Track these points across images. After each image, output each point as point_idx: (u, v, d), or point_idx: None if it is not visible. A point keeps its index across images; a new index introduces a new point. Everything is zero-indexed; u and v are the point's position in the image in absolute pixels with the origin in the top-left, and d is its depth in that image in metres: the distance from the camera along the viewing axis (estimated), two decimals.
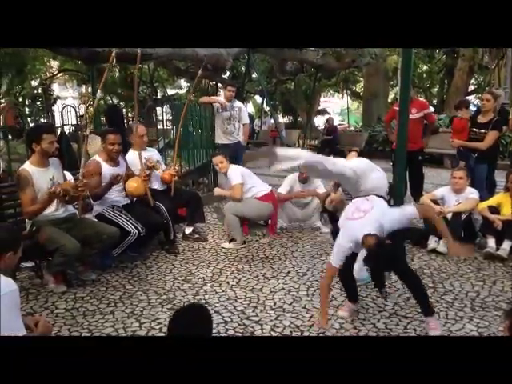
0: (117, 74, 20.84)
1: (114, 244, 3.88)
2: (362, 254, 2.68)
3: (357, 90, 24.41)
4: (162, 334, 2.93)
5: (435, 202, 4.74)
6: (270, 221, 5.07)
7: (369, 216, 2.79)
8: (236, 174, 4.72)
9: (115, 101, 20.71)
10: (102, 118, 9.24)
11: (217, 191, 5.10)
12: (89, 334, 2.96)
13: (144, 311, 3.28)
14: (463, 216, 4.56)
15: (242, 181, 4.69)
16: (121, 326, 3.06)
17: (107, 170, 4.10)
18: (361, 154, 13.79)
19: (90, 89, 10.39)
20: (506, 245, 4.21)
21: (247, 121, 6.96)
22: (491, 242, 4.31)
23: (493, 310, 3.27)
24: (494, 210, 4.47)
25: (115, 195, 4.19)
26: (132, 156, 4.58)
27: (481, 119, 5.38)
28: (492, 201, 4.61)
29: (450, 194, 4.76)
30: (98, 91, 4.60)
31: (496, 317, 3.14)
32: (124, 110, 18.67)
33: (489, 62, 15.58)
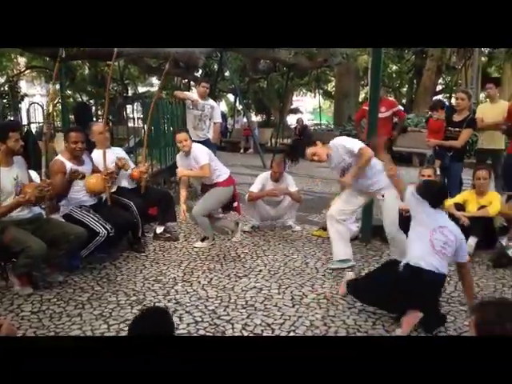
0: (86, 71, 20.50)
1: (81, 245, 3.80)
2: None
3: (328, 89, 24.68)
4: None
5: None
6: (235, 203, 5.01)
7: None
8: (204, 153, 4.60)
9: (84, 98, 20.35)
10: (71, 116, 9.08)
11: (181, 172, 4.72)
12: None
13: (113, 313, 3.23)
14: None
15: (209, 161, 4.59)
16: (89, 328, 3.01)
17: (70, 167, 3.98)
18: None
19: (58, 86, 10.17)
20: (471, 241, 4.31)
21: (219, 119, 6.94)
22: None
23: (458, 304, 3.34)
24: (460, 207, 4.59)
25: (83, 195, 4.10)
26: (95, 155, 4.49)
27: (456, 118, 5.49)
28: (458, 198, 4.72)
29: None
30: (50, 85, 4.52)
31: (462, 311, 3.22)
32: (94, 108, 18.36)
33: (456, 62, 15.99)
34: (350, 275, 3.60)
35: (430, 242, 2.90)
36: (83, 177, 3.98)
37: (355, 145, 3.86)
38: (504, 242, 4.24)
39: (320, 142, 4.00)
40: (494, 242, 4.52)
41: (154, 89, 23.92)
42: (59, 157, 4.07)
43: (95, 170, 4.23)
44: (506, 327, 1.47)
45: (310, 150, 3.95)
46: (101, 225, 3.92)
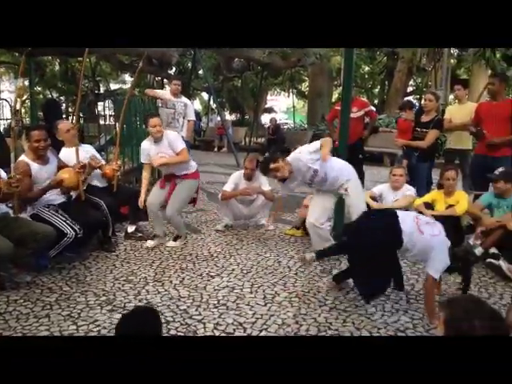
0: (57, 67, 20.09)
1: (49, 244, 3.72)
2: None
3: (302, 89, 24.85)
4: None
5: (374, 198, 4.90)
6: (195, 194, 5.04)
7: None
8: (179, 138, 4.62)
9: (55, 95, 19.93)
10: (40, 113, 8.88)
11: (158, 160, 4.47)
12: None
13: (82, 313, 3.17)
14: None
15: None
16: (57, 329, 2.95)
17: (37, 169, 3.87)
18: None
19: (27, 82, 9.93)
20: None
21: (193, 117, 6.89)
22: None
23: None
24: (429, 206, 4.68)
25: (50, 193, 4.00)
26: (64, 154, 4.39)
27: (423, 119, 5.61)
28: (427, 197, 4.81)
29: (389, 191, 4.94)
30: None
31: None
32: (64, 105, 17.99)
33: (426, 64, 16.31)
34: (310, 256, 3.66)
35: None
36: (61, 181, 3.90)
37: (315, 143, 4.08)
38: (471, 240, 4.35)
39: (281, 159, 4.05)
40: (461, 241, 4.63)
41: (127, 86, 23.63)
42: (23, 157, 3.90)
43: (62, 167, 4.12)
44: (474, 324, 1.51)
45: (271, 167, 4.05)
46: (69, 225, 3.84)
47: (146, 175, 4.72)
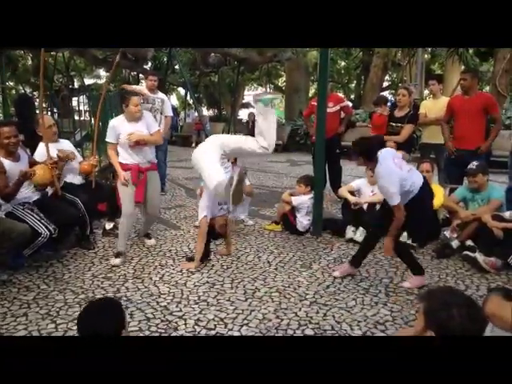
0: (29, 62, 19.64)
1: (25, 242, 3.64)
2: None
3: (279, 84, 24.88)
4: None
5: (352, 193, 4.95)
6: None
7: None
8: (154, 120, 4.57)
9: (27, 90, 19.49)
10: (13, 109, 8.67)
11: (136, 137, 4.11)
12: None
13: (60, 312, 3.13)
14: (378, 206, 4.80)
15: None
16: (35, 328, 2.90)
17: (10, 165, 3.77)
18: (284, 148, 14.06)
19: None
20: None
21: (170, 113, 6.83)
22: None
23: (405, 294, 3.47)
24: None
25: (25, 190, 3.92)
26: (41, 149, 4.31)
27: (397, 113, 5.69)
28: None
29: (366, 185, 5.00)
30: None
31: (408, 301, 3.35)
32: (37, 100, 17.60)
33: (401, 59, 16.51)
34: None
35: None
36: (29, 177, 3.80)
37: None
38: (447, 233, 4.44)
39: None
40: (437, 234, 4.72)
41: (101, 81, 23.27)
42: None
43: (34, 163, 4.03)
44: (453, 313, 1.54)
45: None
46: (43, 225, 3.76)
47: (114, 153, 4.25)
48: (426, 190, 3.52)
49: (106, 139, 4.24)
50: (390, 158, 3.43)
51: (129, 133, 4.12)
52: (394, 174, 3.32)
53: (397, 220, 3.36)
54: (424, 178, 3.56)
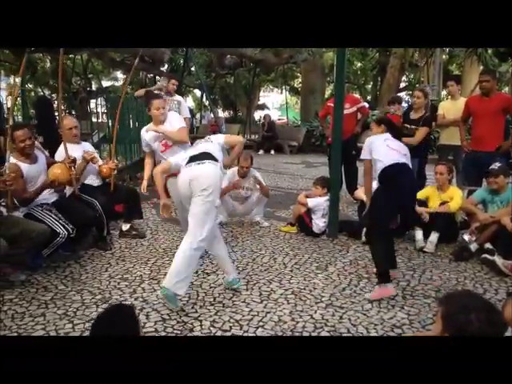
0: (48, 64, 19.93)
1: (44, 242, 3.69)
2: None
3: (295, 85, 24.83)
4: None
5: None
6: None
7: None
8: (180, 119, 4.39)
9: (46, 92, 19.78)
10: (32, 111, 8.82)
11: (161, 128, 4.12)
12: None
13: (78, 312, 3.16)
14: None
15: None
16: (53, 328, 2.93)
17: (27, 168, 3.82)
18: (299, 149, 14.02)
19: (18, 80, 9.82)
20: (432, 237, 4.43)
21: (187, 115, 6.87)
22: (419, 235, 4.53)
23: (422, 298, 3.43)
24: (423, 203, 4.70)
25: (44, 192, 3.97)
26: (61, 149, 4.36)
27: (412, 115, 5.62)
28: (421, 194, 4.82)
29: None
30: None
31: (425, 304, 3.30)
32: (56, 102, 17.85)
33: (418, 60, 16.34)
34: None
35: None
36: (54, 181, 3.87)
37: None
38: (466, 236, 4.34)
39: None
40: (455, 237, 4.66)
41: (119, 83, 23.50)
42: (12, 159, 3.80)
43: (53, 163, 4.09)
44: (471, 317, 1.52)
45: None
46: (61, 225, 3.81)
47: (149, 161, 4.34)
48: (404, 177, 3.61)
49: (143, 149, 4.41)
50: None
51: (154, 136, 4.19)
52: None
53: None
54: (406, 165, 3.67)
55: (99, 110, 9.07)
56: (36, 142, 4.09)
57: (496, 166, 4.33)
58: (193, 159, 3.35)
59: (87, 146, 4.75)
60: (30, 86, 19.62)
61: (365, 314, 3.16)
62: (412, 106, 5.75)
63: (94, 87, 20.50)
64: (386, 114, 6.69)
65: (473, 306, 1.57)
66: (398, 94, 15.13)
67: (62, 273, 3.86)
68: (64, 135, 4.42)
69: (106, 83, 23.73)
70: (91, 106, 10.57)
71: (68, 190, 4.29)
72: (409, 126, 5.59)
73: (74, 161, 4.07)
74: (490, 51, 13.31)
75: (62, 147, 4.38)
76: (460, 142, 5.38)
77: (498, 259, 3.87)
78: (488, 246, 4.18)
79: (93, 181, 4.67)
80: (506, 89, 17.33)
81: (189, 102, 25.57)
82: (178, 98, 6.70)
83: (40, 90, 19.89)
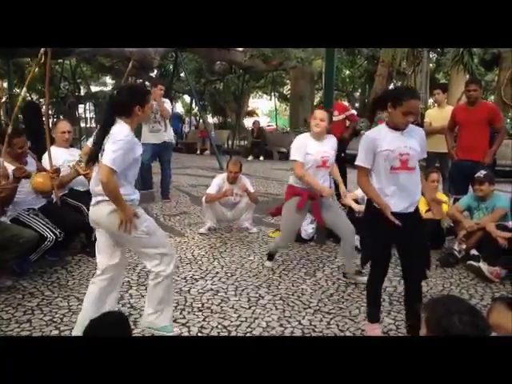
0: (36, 69, 19.78)
1: (31, 248, 3.66)
2: None
3: (284, 92, 24.96)
4: None
5: (357, 201, 4.95)
6: None
7: None
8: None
9: (34, 97, 19.64)
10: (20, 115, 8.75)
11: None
12: None
13: (64, 318, 3.14)
14: None
15: None
16: (39, 335, 2.91)
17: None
18: (288, 155, 14.01)
19: (5, 84, 9.77)
20: None
21: (168, 104, 6.95)
22: None
23: None
24: None
25: (30, 197, 3.96)
26: (54, 153, 4.34)
27: None
28: None
29: None
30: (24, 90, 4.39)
31: None
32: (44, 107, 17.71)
33: (406, 68, 16.52)
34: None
35: None
36: (28, 175, 3.82)
37: None
38: (456, 246, 4.37)
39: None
40: (441, 243, 4.71)
41: (108, 88, 23.38)
42: (5, 164, 3.81)
43: (41, 169, 4.09)
44: (454, 320, 1.54)
45: None
46: (49, 229, 3.79)
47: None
48: None
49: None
50: None
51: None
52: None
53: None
54: None
55: (88, 115, 9.03)
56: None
57: (482, 173, 4.40)
58: None
59: (74, 151, 4.74)
60: (18, 90, 19.46)
61: (352, 320, 3.18)
62: None
63: (82, 92, 20.39)
64: (377, 120, 6.75)
65: (455, 309, 1.58)
66: None
67: (48, 279, 3.83)
68: (56, 138, 4.46)
69: (94, 88, 23.60)
70: (80, 111, 10.53)
71: (55, 195, 4.27)
72: None
73: (57, 170, 4.06)
74: (476, 60, 13.52)
75: (52, 150, 4.37)
76: (447, 150, 5.45)
77: (483, 265, 3.92)
78: (473, 252, 4.23)
79: (80, 186, 4.64)
80: (492, 97, 17.58)
81: (178, 108, 25.57)
82: (162, 100, 6.75)
83: (28, 94, 19.74)
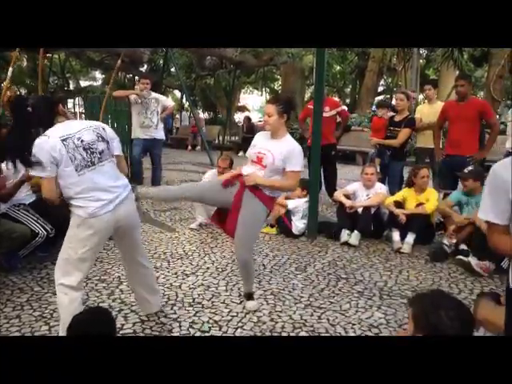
0: (25, 63, 19.58)
1: (22, 244, 3.63)
2: None
3: (275, 87, 24.94)
4: None
5: (348, 196, 4.97)
6: None
7: None
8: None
9: (23, 91, 19.42)
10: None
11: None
12: None
13: (54, 314, 3.11)
14: (373, 210, 4.82)
15: None
16: (28, 330, 2.89)
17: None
18: None
19: None
20: (409, 237, 4.51)
21: (171, 102, 6.98)
22: (396, 236, 4.60)
23: (399, 298, 3.48)
24: (400, 204, 4.77)
25: (22, 193, 3.92)
26: None
27: (396, 118, 5.75)
28: (398, 196, 4.91)
29: (361, 189, 5.02)
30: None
31: (402, 304, 3.36)
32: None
33: (396, 64, 16.59)
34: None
35: None
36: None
37: None
38: (446, 241, 4.41)
39: None
40: (431, 237, 4.75)
41: (97, 83, 23.21)
42: None
43: None
44: (441, 315, 1.54)
45: None
46: (40, 225, 3.76)
47: None
48: None
49: None
50: None
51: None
52: None
53: None
54: None
55: (77, 110, 8.95)
56: None
57: (467, 170, 4.45)
58: None
59: None
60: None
61: (343, 314, 3.19)
62: (395, 109, 5.88)
63: (71, 87, 20.20)
64: (373, 117, 6.80)
65: (441, 304, 1.59)
66: (387, 99, 15.38)
67: (38, 274, 3.80)
68: None
69: (84, 83, 23.41)
70: (69, 106, 10.42)
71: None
72: (392, 128, 5.70)
73: None
74: (465, 56, 13.59)
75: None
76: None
77: (472, 260, 3.96)
78: (463, 247, 4.27)
79: None
80: (482, 93, 17.71)
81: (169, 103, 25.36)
82: (154, 95, 6.74)
83: (16, 89, 19.53)
